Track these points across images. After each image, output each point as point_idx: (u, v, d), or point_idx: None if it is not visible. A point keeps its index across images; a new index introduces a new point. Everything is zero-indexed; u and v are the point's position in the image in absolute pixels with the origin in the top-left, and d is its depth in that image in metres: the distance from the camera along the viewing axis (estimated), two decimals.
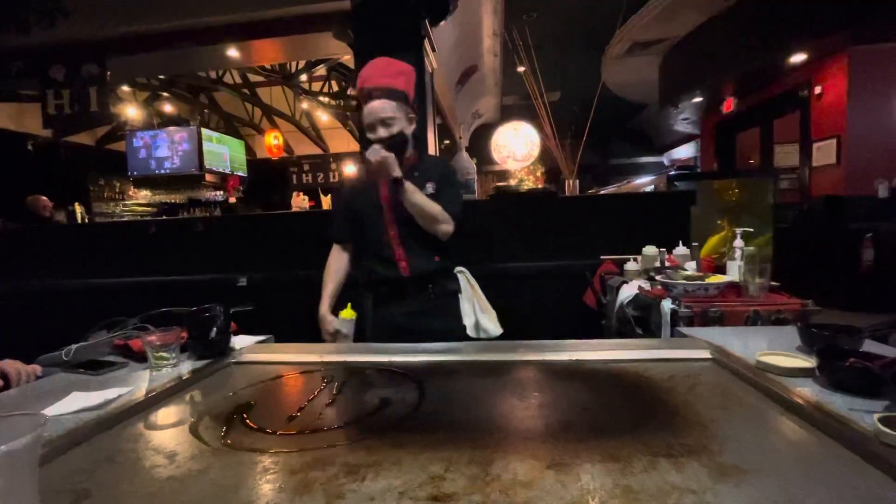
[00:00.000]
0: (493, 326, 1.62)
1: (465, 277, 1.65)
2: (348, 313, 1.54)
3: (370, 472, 0.63)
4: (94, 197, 7.36)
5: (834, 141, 4.72)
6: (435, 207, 1.48)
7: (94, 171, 7.43)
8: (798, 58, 4.88)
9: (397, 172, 1.40)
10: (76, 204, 5.62)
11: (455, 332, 1.54)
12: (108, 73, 3.43)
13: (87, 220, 5.72)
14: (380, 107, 1.45)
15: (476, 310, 1.61)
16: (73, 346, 1.16)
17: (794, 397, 0.77)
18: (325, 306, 1.60)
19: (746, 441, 0.68)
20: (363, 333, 1.65)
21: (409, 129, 1.52)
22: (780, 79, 5.50)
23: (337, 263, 1.67)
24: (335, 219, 1.70)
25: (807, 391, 0.79)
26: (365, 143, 1.50)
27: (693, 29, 5.99)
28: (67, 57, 3.39)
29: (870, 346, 0.97)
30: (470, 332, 1.58)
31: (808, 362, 0.88)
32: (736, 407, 0.80)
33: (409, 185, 1.43)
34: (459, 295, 1.61)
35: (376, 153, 1.38)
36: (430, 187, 1.52)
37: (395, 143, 1.45)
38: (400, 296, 1.55)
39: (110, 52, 3.36)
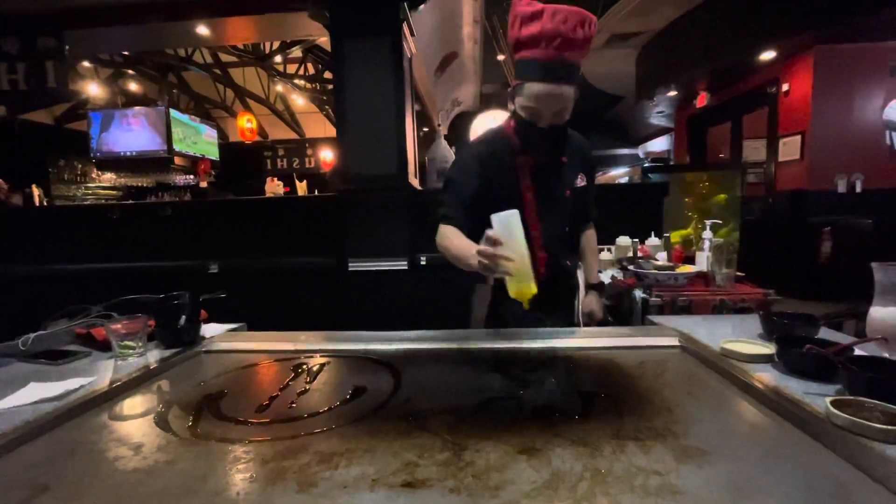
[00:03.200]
0: None
1: (579, 271, 1.46)
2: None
3: (343, 459, 0.62)
4: (53, 179, 6.99)
5: (798, 137, 4.90)
6: (596, 248, 1.45)
7: (54, 152, 7.05)
8: (767, 55, 5.02)
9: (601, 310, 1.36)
10: (34, 186, 5.33)
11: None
12: (67, 47, 3.23)
13: (45, 203, 5.44)
14: (558, 94, 1.08)
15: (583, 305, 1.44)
16: (31, 336, 1.11)
17: (754, 382, 0.81)
18: (472, 247, 1.01)
19: (709, 424, 0.71)
20: (469, 318, 1.41)
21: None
22: (751, 75, 5.65)
23: (456, 231, 1.17)
24: (450, 196, 1.21)
25: (766, 376, 0.83)
26: (514, 122, 1.19)
27: (669, 23, 6.08)
28: (21, 28, 3.17)
29: (825, 333, 1.02)
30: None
31: (768, 349, 0.92)
32: (701, 392, 0.84)
33: (602, 286, 1.40)
34: (577, 292, 1.43)
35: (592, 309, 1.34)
36: (580, 180, 1.29)
37: (558, 137, 1.18)
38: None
39: (68, 25, 3.17)
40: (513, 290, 0.95)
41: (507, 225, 0.92)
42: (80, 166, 7.27)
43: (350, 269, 2.67)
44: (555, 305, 1.34)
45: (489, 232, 0.92)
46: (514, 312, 1.25)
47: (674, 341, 1.09)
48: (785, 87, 5.09)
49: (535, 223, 1.24)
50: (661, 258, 2.07)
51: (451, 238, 1.13)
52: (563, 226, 1.31)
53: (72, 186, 7.18)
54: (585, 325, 1.40)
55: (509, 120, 1.23)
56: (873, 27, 4.32)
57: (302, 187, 5.67)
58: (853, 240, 4.21)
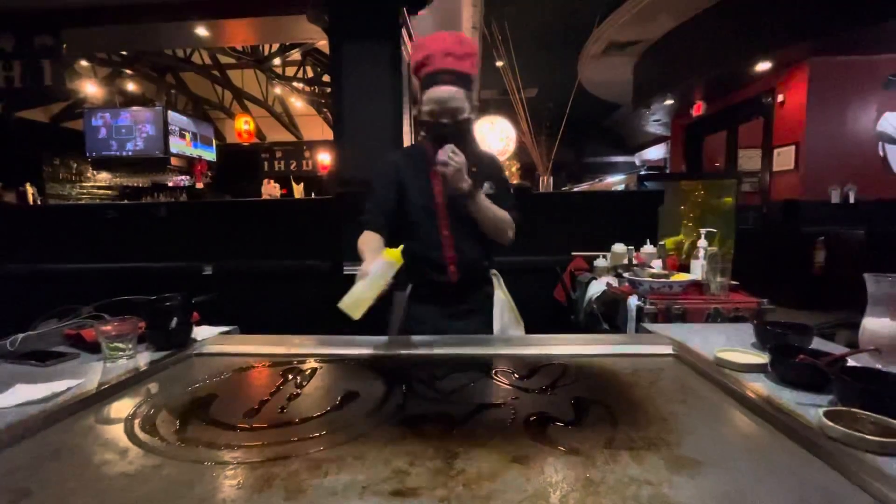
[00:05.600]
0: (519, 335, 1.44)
1: (497, 281, 1.51)
2: (393, 255, 1.13)
3: (332, 466, 0.62)
4: (47, 177, 6.93)
5: (793, 147, 4.94)
6: (505, 217, 1.37)
7: (49, 151, 7.00)
8: (763, 66, 5.07)
9: (466, 185, 1.26)
10: (28, 184, 5.29)
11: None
12: (64, 45, 3.23)
13: (39, 202, 5.40)
14: (448, 95, 1.28)
15: (504, 316, 1.45)
16: (19, 336, 1.09)
17: (747, 392, 0.81)
18: (368, 262, 1.17)
19: (702, 434, 0.70)
20: (388, 323, 1.45)
21: (473, 119, 1.34)
22: (747, 86, 5.71)
23: (374, 237, 1.33)
24: (371, 204, 1.38)
25: (759, 386, 0.83)
26: (423, 131, 1.36)
27: (667, 32, 6.14)
28: (18, 25, 3.16)
29: (818, 343, 1.02)
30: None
31: (761, 358, 0.91)
32: (694, 401, 0.83)
33: (481, 198, 1.30)
34: (493, 299, 1.47)
35: (449, 158, 1.22)
36: (488, 186, 1.36)
37: (459, 133, 1.30)
38: (441, 298, 1.40)
39: (66, 23, 3.15)
40: (345, 299, 1.06)
41: (379, 267, 1.10)
42: (75, 165, 7.22)
43: (345, 272, 2.65)
44: (469, 310, 1.41)
45: (362, 266, 1.12)
46: (426, 319, 1.40)
47: (668, 349, 1.09)
48: (780, 97, 5.15)
49: (446, 225, 1.37)
50: (657, 266, 2.07)
51: (367, 242, 1.29)
52: (476, 230, 1.37)
53: (67, 185, 7.13)
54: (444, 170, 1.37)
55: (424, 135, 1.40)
56: (867, 40, 4.38)
57: (299, 190, 5.67)
58: (846, 250, 4.24)
